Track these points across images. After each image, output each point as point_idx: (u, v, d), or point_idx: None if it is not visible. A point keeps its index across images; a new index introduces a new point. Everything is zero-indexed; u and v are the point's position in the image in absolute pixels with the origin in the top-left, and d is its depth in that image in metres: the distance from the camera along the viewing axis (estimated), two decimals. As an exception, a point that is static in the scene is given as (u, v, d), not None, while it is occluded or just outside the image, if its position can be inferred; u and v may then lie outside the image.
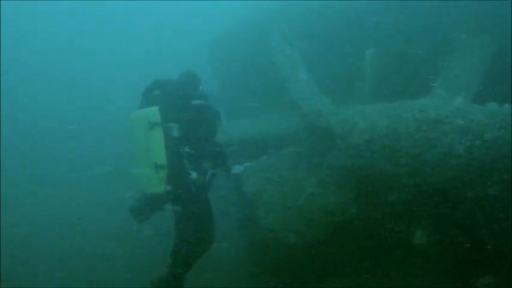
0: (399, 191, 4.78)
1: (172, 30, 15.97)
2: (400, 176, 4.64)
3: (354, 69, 6.10)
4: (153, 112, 4.77)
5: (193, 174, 4.82)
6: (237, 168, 5.37)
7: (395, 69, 6.16)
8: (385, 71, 6.07)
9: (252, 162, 5.58)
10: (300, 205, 4.97)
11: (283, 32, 5.55)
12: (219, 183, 5.43)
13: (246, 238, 6.08)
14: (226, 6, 10.23)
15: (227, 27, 8.91)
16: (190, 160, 4.82)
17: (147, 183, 4.81)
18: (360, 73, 6.00)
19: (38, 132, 12.27)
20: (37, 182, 10.28)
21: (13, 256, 7.42)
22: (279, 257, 5.36)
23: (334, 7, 6.72)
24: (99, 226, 8.33)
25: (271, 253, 5.32)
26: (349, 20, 6.64)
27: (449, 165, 4.40)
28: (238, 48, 8.17)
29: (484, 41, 5.78)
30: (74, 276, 6.85)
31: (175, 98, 4.95)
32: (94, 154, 11.06)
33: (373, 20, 6.46)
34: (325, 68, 6.38)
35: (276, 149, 5.66)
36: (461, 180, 4.43)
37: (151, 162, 4.71)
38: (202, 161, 4.94)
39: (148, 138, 4.76)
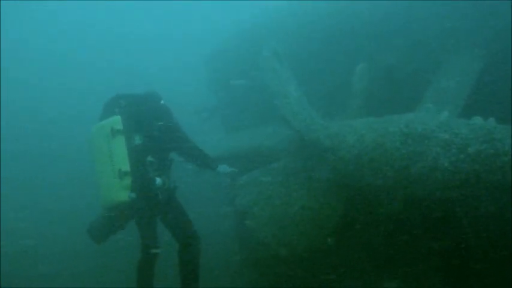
0: (387, 204, 4.87)
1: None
2: (387, 188, 4.73)
3: (344, 84, 6.19)
4: (116, 121, 4.85)
5: (158, 181, 4.85)
6: (223, 168, 5.27)
7: (385, 83, 6.27)
8: (375, 85, 6.17)
9: (244, 175, 5.66)
10: (291, 218, 5.06)
11: (273, 49, 5.66)
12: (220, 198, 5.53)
13: (240, 251, 6.15)
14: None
15: (223, 43, 9.04)
16: (153, 167, 4.88)
17: (112, 192, 4.81)
18: (350, 87, 6.10)
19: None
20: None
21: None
22: (272, 270, 5.43)
23: (325, 23, 6.85)
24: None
25: (263, 266, 5.40)
26: (340, 35, 6.76)
27: (434, 178, 4.50)
28: (233, 63, 8.28)
29: (471, 57, 5.89)
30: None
31: (138, 109, 5.05)
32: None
33: (363, 35, 6.59)
34: (316, 83, 6.49)
35: (267, 162, 5.74)
36: (446, 193, 4.52)
37: (115, 169, 4.75)
38: (166, 168, 5.03)
39: (111, 146, 4.82)
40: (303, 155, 5.30)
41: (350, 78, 6.13)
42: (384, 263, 5.28)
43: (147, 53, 18.22)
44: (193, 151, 5.15)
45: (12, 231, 8.47)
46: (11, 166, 11.26)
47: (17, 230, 8.54)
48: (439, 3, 6.10)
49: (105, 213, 5.01)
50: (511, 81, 5.43)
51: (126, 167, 4.72)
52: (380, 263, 5.35)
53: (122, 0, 19.29)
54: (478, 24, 5.89)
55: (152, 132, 4.93)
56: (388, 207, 4.91)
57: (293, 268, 5.40)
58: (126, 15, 19.43)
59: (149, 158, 4.87)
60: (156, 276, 5.09)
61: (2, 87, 14.45)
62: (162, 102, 5.24)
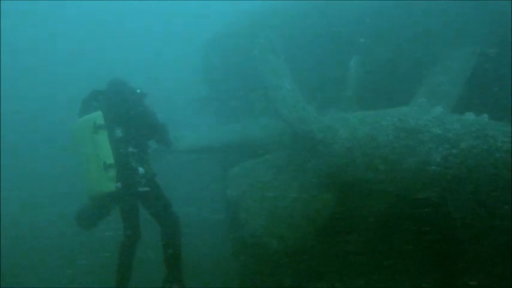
0: (379, 197, 4.88)
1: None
2: (379, 183, 4.73)
3: (338, 77, 6.18)
4: (98, 116, 5.11)
5: (141, 170, 5.15)
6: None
7: (379, 77, 6.26)
8: (369, 78, 6.16)
9: (235, 166, 5.65)
10: (283, 210, 5.05)
11: (268, 39, 5.62)
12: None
13: (232, 243, 6.15)
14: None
15: (218, 33, 8.99)
16: (135, 158, 5.17)
17: (98, 184, 5.08)
18: (344, 81, 6.09)
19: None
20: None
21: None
22: (263, 262, 5.43)
23: (320, 15, 6.82)
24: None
25: (255, 258, 5.40)
26: (334, 28, 6.73)
27: (426, 172, 4.50)
28: (229, 52, 8.24)
29: (465, 52, 5.88)
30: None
31: (117, 102, 5.32)
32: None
33: (358, 28, 6.56)
34: (310, 76, 6.46)
35: (259, 154, 5.73)
36: (438, 187, 4.52)
37: (100, 162, 5.03)
38: (146, 157, 5.34)
39: (94, 141, 5.09)
40: (296, 148, 5.29)
41: (344, 72, 6.12)
42: (373, 256, 5.30)
43: (140, 44, 18.16)
44: (163, 134, 5.55)
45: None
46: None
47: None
48: (434, -2, 6.09)
49: (92, 203, 5.30)
50: (506, 78, 5.44)
51: (110, 159, 5.03)
52: (370, 256, 5.37)
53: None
54: (473, 20, 5.88)
55: (131, 123, 5.24)
56: (379, 201, 4.92)
57: (284, 260, 5.41)
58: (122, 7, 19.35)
59: (130, 149, 5.17)
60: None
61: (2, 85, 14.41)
62: (138, 91, 5.53)
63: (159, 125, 5.50)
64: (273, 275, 5.64)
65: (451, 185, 4.49)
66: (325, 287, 5.46)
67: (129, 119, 5.25)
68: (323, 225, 5.06)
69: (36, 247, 8.05)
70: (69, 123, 5.54)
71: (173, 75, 15.30)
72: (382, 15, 6.50)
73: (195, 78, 10.43)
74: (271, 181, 5.23)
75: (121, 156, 5.11)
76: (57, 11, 18.73)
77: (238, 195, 5.25)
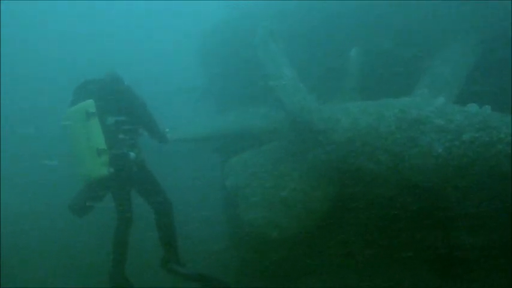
0: (380, 188, 4.85)
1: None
2: (381, 173, 4.70)
3: (339, 67, 6.12)
4: (89, 104, 5.30)
5: (132, 155, 5.37)
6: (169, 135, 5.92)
7: (380, 67, 6.20)
8: (370, 69, 6.10)
9: (235, 156, 5.61)
10: (282, 200, 5.02)
11: (268, 28, 5.56)
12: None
13: (229, 232, 6.13)
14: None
15: (218, 20, 8.90)
16: (126, 143, 5.38)
17: (92, 169, 5.26)
18: (345, 71, 6.03)
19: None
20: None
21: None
22: (262, 252, 5.42)
23: (321, 4, 6.74)
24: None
25: (254, 248, 5.38)
26: (335, 17, 6.67)
27: (428, 164, 4.47)
28: (227, 41, 8.16)
29: (468, 42, 5.83)
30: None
31: (107, 92, 5.49)
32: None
33: (359, 18, 6.50)
34: (311, 65, 6.41)
35: (259, 144, 5.69)
36: (439, 179, 4.50)
37: (92, 148, 5.23)
38: (136, 143, 5.56)
39: (87, 128, 5.28)
40: (296, 137, 5.25)
41: (344, 61, 6.06)
42: (374, 248, 5.29)
43: (141, 29, 18.08)
44: (153, 126, 5.68)
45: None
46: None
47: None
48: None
49: (87, 188, 5.45)
50: (509, 69, 5.39)
51: (102, 145, 5.23)
52: (370, 248, 5.36)
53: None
54: (477, 10, 5.81)
55: (121, 111, 5.40)
56: (380, 192, 4.89)
57: (283, 251, 5.39)
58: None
59: (120, 136, 5.35)
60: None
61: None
62: (125, 83, 5.73)
63: (148, 117, 5.66)
64: (271, 266, 5.64)
65: (452, 176, 4.46)
66: (322, 279, 5.47)
67: (119, 107, 5.44)
68: (323, 215, 5.04)
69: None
70: (60, 113, 5.68)
71: (169, 68, 15.26)
72: (383, 4, 6.43)
73: (192, 69, 10.38)
74: (271, 171, 5.19)
75: (112, 142, 5.30)
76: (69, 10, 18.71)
77: (237, 185, 5.21)
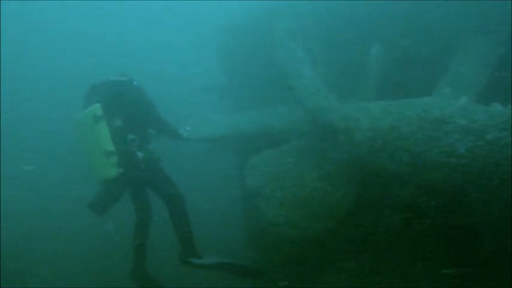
0: (400, 188, 4.80)
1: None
2: (402, 173, 4.66)
3: (359, 66, 6.08)
4: (96, 108, 5.51)
5: (140, 154, 5.56)
6: (186, 133, 6.19)
7: (401, 66, 6.14)
8: (391, 68, 6.05)
9: (254, 155, 5.60)
10: (303, 200, 5.00)
11: (288, 27, 5.54)
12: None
13: (248, 232, 6.13)
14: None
15: (237, 18, 8.89)
16: (134, 144, 5.57)
17: (102, 170, 5.50)
18: (365, 70, 5.99)
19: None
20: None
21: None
22: (280, 251, 5.41)
23: (341, 3, 6.70)
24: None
25: (272, 247, 5.37)
26: (355, 16, 6.62)
27: (450, 165, 4.41)
28: (246, 40, 8.15)
29: (490, 41, 5.74)
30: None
31: (114, 94, 5.72)
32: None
33: (379, 17, 6.44)
34: (330, 64, 6.37)
35: (278, 143, 5.68)
36: (462, 180, 4.44)
37: (101, 150, 5.44)
38: (146, 143, 5.75)
39: (95, 131, 5.50)
40: (316, 137, 5.22)
41: (365, 60, 6.02)
42: (393, 247, 5.24)
43: (156, 27, 18.13)
44: (163, 125, 5.94)
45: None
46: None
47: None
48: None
49: (101, 189, 5.65)
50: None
51: (111, 147, 5.44)
52: (389, 248, 5.32)
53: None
54: (501, 6, 5.72)
55: (129, 113, 5.65)
56: (401, 192, 4.85)
57: (302, 250, 5.38)
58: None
59: (130, 136, 5.56)
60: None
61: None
62: (135, 83, 5.92)
63: (157, 117, 5.88)
64: (289, 266, 5.62)
65: (475, 178, 4.40)
66: (340, 279, 5.45)
67: (127, 108, 5.66)
68: (343, 215, 5.02)
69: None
70: (71, 118, 5.95)
71: (188, 67, 15.30)
72: (403, 2, 6.37)
73: (210, 67, 10.40)
74: (291, 170, 5.18)
75: (121, 143, 5.51)
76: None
77: (257, 185, 5.20)
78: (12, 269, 7.29)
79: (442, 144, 4.44)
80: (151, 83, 6.39)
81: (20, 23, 17.26)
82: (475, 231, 4.84)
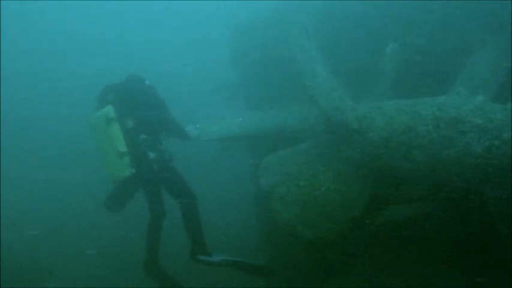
0: (415, 188, 4.78)
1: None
2: (417, 173, 4.63)
3: (373, 65, 6.05)
4: (109, 110, 5.68)
5: (152, 155, 5.70)
6: (193, 133, 6.31)
7: (416, 65, 6.10)
8: (405, 67, 6.01)
9: (270, 155, 5.59)
10: (317, 200, 4.98)
11: (302, 26, 5.51)
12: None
13: (261, 231, 6.12)
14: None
15: (249, 17, 8.89)
16: (146, 144, 5.72)
17: (116, 170, 5.69)
18: (380, 69, 5.96)
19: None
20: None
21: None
22: (293, 251, 5.40)
23: (354, 2, 6.67)
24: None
25: (286, 247, 5.36)
26: (370, 15, 6.59)
27: (467, 164, 4.38)
28: (259, 38, 8.15)
29: (506, 39, 5.68)
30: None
31: (126, 95, 5.87)
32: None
33: (394, 15, 6.40)
34: (345, 63, 6.35)
35: (292, 143, 5.66)
36: (478, 180, 4.40)
37: (114, 151, 5.62)
38: (158, 143, 5.86)
39: (108, 132, 5.68)
40: (331, 136, 5.20)
41: (379, 59, 5.98)
42: (410, 248, 5.21)
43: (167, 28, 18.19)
44: (173, 126, 6.03)
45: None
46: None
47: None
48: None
49: (115, 188, 5.86)
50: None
51: (123, 148, 5.62)
52: (404, 248, 5.29)
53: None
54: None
55: (141, 113, 5.77)
56: (416, 192, 4.82)
57: (315, 250, 5.37)
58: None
59: (142, 136, 5.71)
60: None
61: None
62: (146, 82, 6.08)
63: (167, 117, 5.99)
64: (303, 266, 5.62)
65: (492, 177, 4.36)
66: (353, 279, 5.42)
67: (138, 109, 5.80)
68: (357, 215, 4.99)
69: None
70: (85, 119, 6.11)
71: (199, 67, 15.33)
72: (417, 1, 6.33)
73: (221, 65, 10.41)
74: (305, 170, 5.15)
75: (133, 144, 5.67)
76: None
77: (271, 184, 5.19)
78: (30, 269, 7.37)
79: (458, 144, 4.41)
80: (159, 84, 6.43)
81: (20, 23, 17.40)
82: (491, 232, 4.78)
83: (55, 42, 17.29)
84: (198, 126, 6.47)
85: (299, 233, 4.92)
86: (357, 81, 6.05)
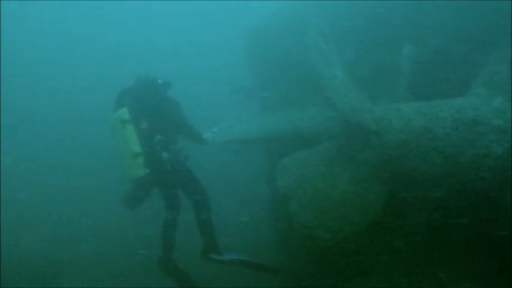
0: (433, 191, 4.74)
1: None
2: (435, 176, 4.60)
3: (390, 66, 6.02)
4: (124, 112, 5.93)
5: (165, 155, 5.95)
6: (211, 138, 6.43)
7: (433, 66, 6.05)
8: (423, 68, 5.97)
9: (287, 157, 5.59)
10: (334, 202, 4.97)
11: (320, 27, 5.51)
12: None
13: (277, 233, 6.12)
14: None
15: (265, 19, 8.89)
16: (160, 144, 5.96)
17: (131, 170, 5.93)
18: (397, 70, 5.92)
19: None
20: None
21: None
22: (312, 253, 5.40)
23: (372, 3, 6.64)
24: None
25: (304, 249, 5.36)
26: (387, 15, 6.55)
27: (486, 166, 4.34)
28: (275, 40, 8.15)
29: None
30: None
31: (140, 98, 6.08)
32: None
33: (411, 16, 6.36)
34: (362, 65, 6.32)
35: (309, 145, 5.65)
36: (498, 182, 4.36)
37: (129, 152, 5.86)
38: (172, 143, 6.09)
39: (123, 133, 5.91)
40: (348, 138, 5.18)
41: (396, 60, 5.95)
42: (427, 250, 5.18)
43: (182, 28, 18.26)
44: (186, 128, 6.22)
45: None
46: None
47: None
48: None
49: (131, 186, 6.08)
50: None
51: (138, 148, 5.86)
52: (422, 251, 5.25)
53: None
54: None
55: (153, 115, 5.99)
56: (434, 195, 4.78)
57: (332, 252, 5.35)
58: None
59: (157, 137, 5.97)
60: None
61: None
62: (159, 81, 6.26)
63: (181, 119, 6.19)
64: (321, 267, 5.60)
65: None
66: (370, 281, 5.40)
67: (152, 110, 6.02)
68: (374, 217, 4.97)
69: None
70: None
71: (215, 68, 15.36)
72: (435, 2, 6.28)
73: (236, 68, 10.44)
74: (323, 172, 5.15)
75: (147, 145, 5.91)
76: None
77: (288, 186, 5.19)
78: (45, 269, 7.45)
79: (477, 146, 4.38)
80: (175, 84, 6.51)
81: (20, 23, 17.58)
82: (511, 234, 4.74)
83: (55, 43, 17.44)
84: (215, 130, 6.55)
85: (316, 235, 4.91)
86: (374, 82, 6.02)
